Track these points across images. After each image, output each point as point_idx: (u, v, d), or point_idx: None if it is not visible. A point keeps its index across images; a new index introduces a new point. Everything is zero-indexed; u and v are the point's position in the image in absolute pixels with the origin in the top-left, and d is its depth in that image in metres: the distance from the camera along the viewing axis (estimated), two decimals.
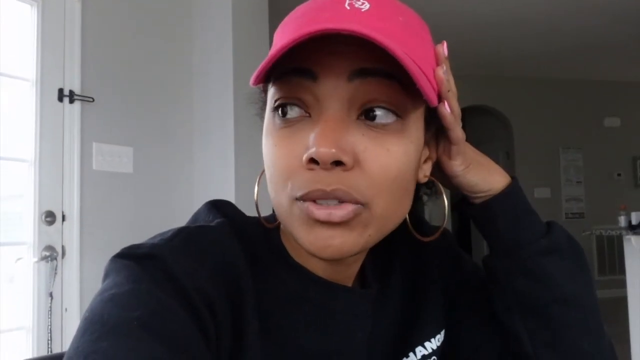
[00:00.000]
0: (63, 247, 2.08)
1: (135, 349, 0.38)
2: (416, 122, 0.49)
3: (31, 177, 2.02)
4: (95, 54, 2.24)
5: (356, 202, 0.45)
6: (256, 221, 0.57)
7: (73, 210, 2.10)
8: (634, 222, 3.94)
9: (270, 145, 0.48)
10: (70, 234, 2.09)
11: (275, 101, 0.47)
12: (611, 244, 6.64)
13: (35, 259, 1.99)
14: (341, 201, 0.45)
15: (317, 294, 0.54)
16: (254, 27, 2.75)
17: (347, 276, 0.57)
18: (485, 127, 7.15)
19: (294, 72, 0.46)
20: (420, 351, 0.61)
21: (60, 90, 2.10)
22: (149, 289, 0.43)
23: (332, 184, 0.44)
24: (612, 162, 7.06)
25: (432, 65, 0.49)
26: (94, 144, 2.20)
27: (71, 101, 2.12)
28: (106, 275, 0.46)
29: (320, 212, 0.45)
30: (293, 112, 0.47)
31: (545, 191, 6.79)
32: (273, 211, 0.59)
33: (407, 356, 0.60)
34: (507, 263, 0.58)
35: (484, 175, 0.58)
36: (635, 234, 3.61)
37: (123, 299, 0.42)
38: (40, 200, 2.03)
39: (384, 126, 0.46)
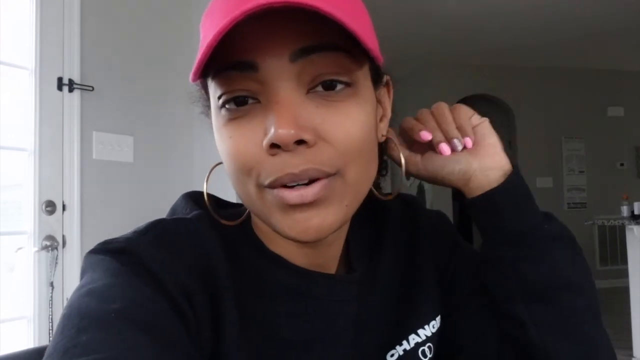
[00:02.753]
0: (64, 237, 2.07)
1: (115, 341, 0.38)
2: (365, 81, 0.48)
3: (31, 167, 2.01)
4: (94, 43, 2.22)
5: (328, 175, 0.45)
6: (232, 212, 0.56)
7: (73, 199, 2.10)
8: (636, 212, 3.93)
9: (225, 138, 0.46)
10: (70, 224, 2.09)
11: (219, 97, 0.46)
12: (613, 234, 6.64)
13: (36, 249, 1.99)
14: (312, 179, 0.44)
15: (295, 282, 0.53)
16: None
17: (328, 260, 0.56)
18: (488, 116, 7.07)
19: (233, 66, 0.44)
20: (413, 339, 0.60)
21: (60, 79, 2.08)
22: (126, 281, 0.43)
23: (300, 165, 0.43)
24: (614, 152, 7.03)
25: (367, 24, 0.49)
26: (94, 133, 2.19)
27: (70, 90, 2.10)
28: (83, 272, 0.46)
29: (292, 195, 0.44)
30: (240, 102, 0.45)
31: (547, 181, 6.78)
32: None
33: (401, 344, 0.59)
34: (513, 251, 0.58)
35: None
36: (637, 223, 3.60)
37: (100, 293, 0.42)
38: (41, 190, 2.02)
39: (336, 94, 0.45)
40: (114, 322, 0.39)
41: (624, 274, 3.91)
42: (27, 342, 1.96)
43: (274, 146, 0.43)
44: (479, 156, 0.59)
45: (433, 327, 0.62)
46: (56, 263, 2.02)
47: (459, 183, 0.60)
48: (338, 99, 0.45)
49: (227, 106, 0.46)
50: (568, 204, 6.91)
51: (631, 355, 3.70)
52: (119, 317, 0.39)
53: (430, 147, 0.61)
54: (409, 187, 0.65)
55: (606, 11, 5.05)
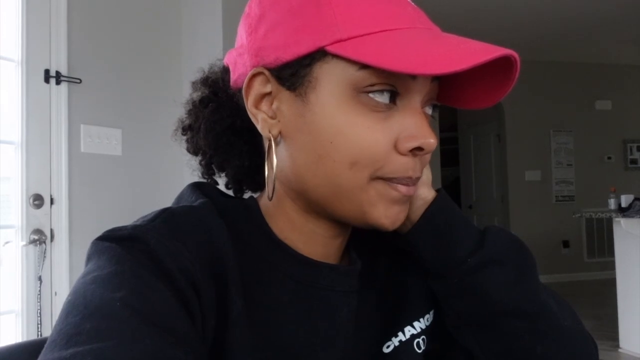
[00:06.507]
0: (52, 231, 2.06)
1: (119, 330, 0.38)
2: None
3: (18, 160, 1.99)
4: (82, 34, 2.20)
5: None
6: (238, 202, 0.57)
7: (61, 193, 2.08)
8: (623, 205, 3.97)
9: (360, 126, 0.49)
10: (58, 217, 2.07)
11: (373, 85, 0.48)
12: (601, 227, 6.70)
13: (24, 243, 1.97)
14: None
15: (300, 271, 0.54)
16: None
17: (335, 249, 0.58)
18: (477, 109, 7.12)
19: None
20: (409, 331, 0.60)
21: (47, 71, 2.06)
22: (132, 269, 0.43)
23: (418, 171, 0.52)
24: (602, 145, 7.09)
25: None
26: (81, 125, 2.17)
27: (58, 82, 2.08)
28: (89, 259, 0.46)
29: (405, 189, 0.51)
30: (383, 97, 0.49)
31: (535, 174, 6.82)
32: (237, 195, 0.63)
33: (396, 336, 0.60)
34: (441, 285, 0.57)
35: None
36: (624, 216, 3.64)
37: (106, 280, 0.42)
38: (28, 183, 2.00)
39: (432, 113, 0.55)
40: (118, 311, 0.39)
41: (612, 266, 3.95)
42: (15, 336, 1.95)
43: (416, 149, 0.49)
44: None
45: (427, 320, 0.62)
46: (44, 257, 2.01)
47: None
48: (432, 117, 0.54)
49: (377, 98, 0.48)
50: (556, 196, 6.96)
51: (617, 346, 3.75)
52: (123, 306, 0.39)
53: None
54: None
55: (593, 5, 5.07)
